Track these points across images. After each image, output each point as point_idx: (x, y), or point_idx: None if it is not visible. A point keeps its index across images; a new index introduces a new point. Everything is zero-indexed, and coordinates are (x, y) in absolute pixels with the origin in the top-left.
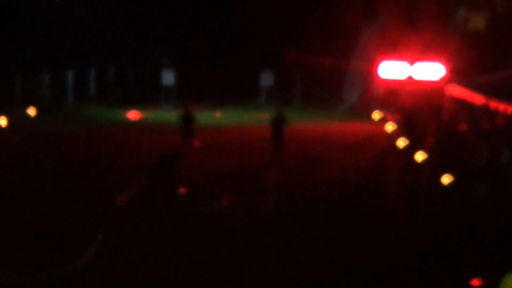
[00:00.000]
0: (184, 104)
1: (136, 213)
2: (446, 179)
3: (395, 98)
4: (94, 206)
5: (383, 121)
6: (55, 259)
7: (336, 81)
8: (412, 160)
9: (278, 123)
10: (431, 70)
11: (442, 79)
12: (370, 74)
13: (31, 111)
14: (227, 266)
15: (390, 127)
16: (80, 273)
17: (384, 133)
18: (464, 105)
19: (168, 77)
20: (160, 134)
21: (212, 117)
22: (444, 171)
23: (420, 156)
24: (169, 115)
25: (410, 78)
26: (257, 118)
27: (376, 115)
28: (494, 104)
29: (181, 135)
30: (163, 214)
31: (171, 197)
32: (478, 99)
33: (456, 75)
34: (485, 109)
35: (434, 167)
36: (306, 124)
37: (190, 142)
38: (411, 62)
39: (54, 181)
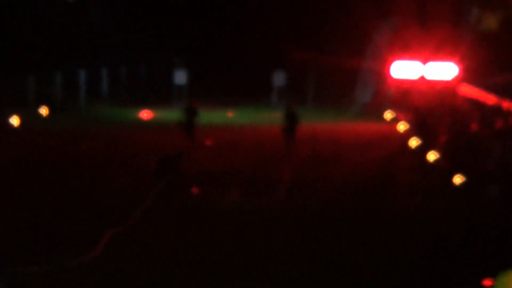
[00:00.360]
0: (190, 102)
1: (145, 210)
2: (458, 179)
3: (408, 97)
4: (103, 204)
5: (395, 121)
6: (66, 252)
7: (349, 81)
8: (424, 160)
9: (291, 121)
10: (443, 70)
11: (455, 78)
12: (382, 74)
13: (43, 111)
14: (234, 263)
15: (402, 126)
16: (90, 266)
17: (396, 132)
18: (476, 105)
19: (180, 76)
20: (170, 134)
21: (224, 116)
22: (456, 171)
23: (432, 156)
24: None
25: (422, 77)
26: (268, 118)
27: (388, 115)
28: (506, 104)
29: (184, 130)
30: (171, 211)
31: (176, 194)
32: (490, 99)
33: (469, 75)
34: (497, 109)
35: (446, 167)
36: (318, 123)
37: (193, 138)
38: (424, 62)
39: (64, 179)
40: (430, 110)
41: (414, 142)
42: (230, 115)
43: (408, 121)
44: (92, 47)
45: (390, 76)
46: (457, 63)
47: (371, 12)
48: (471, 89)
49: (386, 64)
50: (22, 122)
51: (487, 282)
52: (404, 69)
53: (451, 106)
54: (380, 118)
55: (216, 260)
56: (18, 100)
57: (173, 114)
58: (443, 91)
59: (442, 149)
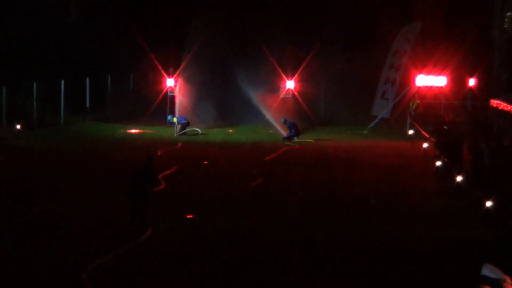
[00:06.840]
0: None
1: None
2: (489, 203)
3: (433, 111)
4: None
5: (418, 138)
6: None
7: (365, 93)
8: (452, 181)
9: None
10: (472, 81)
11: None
12: (404, 85)
13: (17, 126)
14: None
15: (426, 145)
16: None
17: (420, 152)
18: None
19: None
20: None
21: (225, 132)
22: (488, 195)
23: (460, 177)
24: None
25: (448, 88)
26: (269, 135)
27: (411, 131)
28: None
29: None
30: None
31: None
32: None
33: (503, 87)
34: None
35: (475, 190)
36: (330, 141)
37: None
38: (450, 75)
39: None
40: (459, 125)
41: (440, 162)
42: (230, 131)
43: (433, 138)
44: (74, 55)
45: (413, 87)
46: (489, 74)
47: (391, 16)
48: (506, 102)
49: (408, 75)
50: None
51: None
52: (428, 81)
53: (483, 121)
54: (401, 135)
55: None
56: None
57: (165, 131)
58: (474, 104)
59: (471, 169)
